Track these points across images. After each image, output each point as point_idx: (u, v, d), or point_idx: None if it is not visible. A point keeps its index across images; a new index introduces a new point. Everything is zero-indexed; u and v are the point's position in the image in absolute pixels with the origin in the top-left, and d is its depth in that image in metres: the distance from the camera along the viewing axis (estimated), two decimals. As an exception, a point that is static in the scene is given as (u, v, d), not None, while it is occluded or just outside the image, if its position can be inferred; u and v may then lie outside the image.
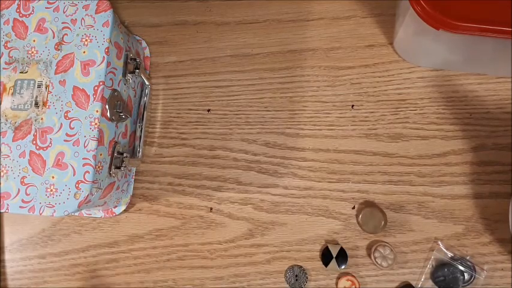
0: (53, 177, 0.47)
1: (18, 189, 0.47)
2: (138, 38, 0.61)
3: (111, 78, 0.50)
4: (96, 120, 0.47)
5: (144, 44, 0.61)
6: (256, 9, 0.61)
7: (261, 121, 0.58)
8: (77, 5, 0.51)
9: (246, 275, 0.56)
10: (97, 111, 0.47)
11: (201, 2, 0.62)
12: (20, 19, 0.51)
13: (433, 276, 0.52)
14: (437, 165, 0.55)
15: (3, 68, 0.51)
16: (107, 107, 0.48)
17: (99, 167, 0.48)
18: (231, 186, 0.57)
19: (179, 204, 0.58)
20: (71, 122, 0.48)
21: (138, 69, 0.55)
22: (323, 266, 0.54)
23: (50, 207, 0.46)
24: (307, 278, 0.54)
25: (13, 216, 0.60)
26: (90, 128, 0.47)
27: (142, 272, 0.57)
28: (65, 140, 0.47)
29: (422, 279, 0.53)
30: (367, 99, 0.57)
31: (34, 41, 0.51)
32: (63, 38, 0.50)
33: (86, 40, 0.49)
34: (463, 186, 0.54)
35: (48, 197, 0.46)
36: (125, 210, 0.57)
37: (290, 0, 0.61)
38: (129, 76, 0.54)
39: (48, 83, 0.49)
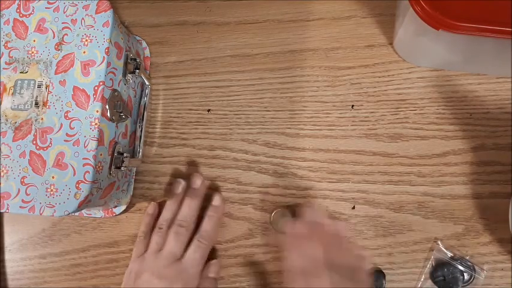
0: (53, 177, 0.47)
1: (18, 189, 0.47)
2: (138, 38, 0.61)
3: (111, 78, 0.50)
4: (96, 120, 0.47)
5: (144, 44, 0.61)
6: (256, 9, 0.61)
7: (261, 121, 0.58)
8: (77, 5, 0.51)
9: (246, 275, 0.56)
10: (97, 111, 0.47)
11: (201, 2, 0.62)
12: (20, 19, 0.51)
13: (433, 276, 0.52)
14: (437, 165, 0.55)
15: (3, 68, 0.51)
16: (107, 107, 0.48)
17: (99, 167, 0.48)
18: (231, 186, 0.57)
19: (179, 204, 0.58)
20: (71, 122, 0.48)
21: (138, 69, 0.55)
22: (323, 266, 0.54)
23: (50, 207, 0.46)
24: (307, 278, 0.54)
25: (13, 216, 0.60)
26: (90, 128, 0.47)
27: (142, 272, 0.57)
28: (65, 140, 0.47)
29: (422, 279, 0.53)
30: (367, 99, 0.57)
31: (34, 41, 0.51)
32: (63, 38, 0.50)
33: (86, 40, 0.49)
34: (463, 186, 0.54)
35: (48, 197, 0.46)
36: (125, 210, 0.57)
37: (290, 0, 0.61)
38: (129, 76, 0.54)
39: (48, 83, 0.49)
